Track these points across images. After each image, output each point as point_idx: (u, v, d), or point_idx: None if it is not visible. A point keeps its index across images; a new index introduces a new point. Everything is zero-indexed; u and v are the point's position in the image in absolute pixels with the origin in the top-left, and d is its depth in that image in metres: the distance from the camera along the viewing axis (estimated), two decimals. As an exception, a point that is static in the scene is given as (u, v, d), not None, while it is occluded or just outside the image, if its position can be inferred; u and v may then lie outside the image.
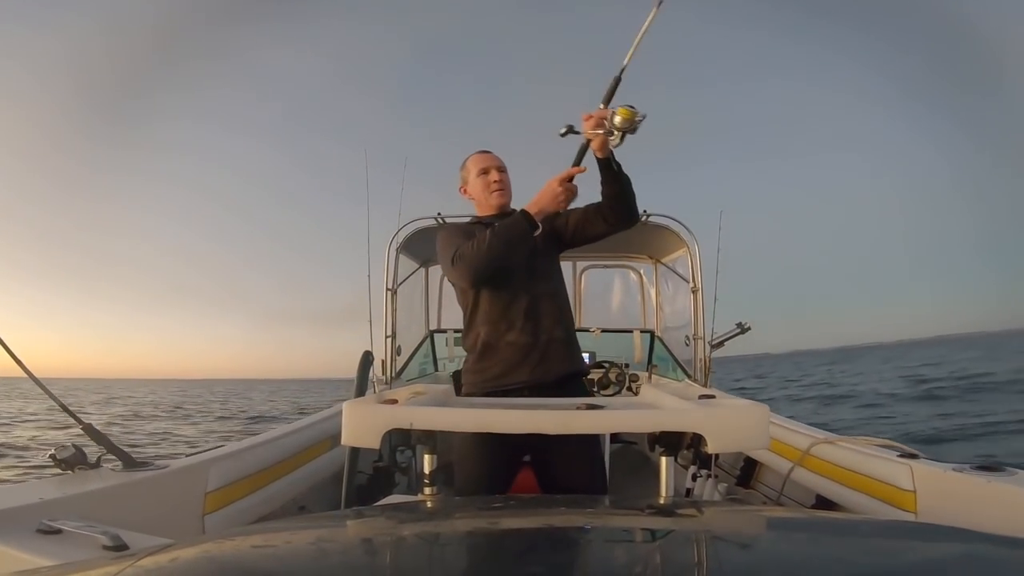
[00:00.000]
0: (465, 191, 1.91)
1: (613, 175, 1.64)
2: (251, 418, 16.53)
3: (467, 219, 2.01)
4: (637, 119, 1.51)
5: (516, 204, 1.90)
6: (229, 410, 20.84)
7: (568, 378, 1.78)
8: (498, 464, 1.66)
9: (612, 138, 1.53)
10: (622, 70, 1.61)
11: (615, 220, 1.76)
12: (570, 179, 1.66)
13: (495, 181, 1.83)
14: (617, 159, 1.62)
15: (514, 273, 1.74)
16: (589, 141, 1.58)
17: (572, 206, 1.75)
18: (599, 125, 1.52)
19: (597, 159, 1.61)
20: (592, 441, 1.75)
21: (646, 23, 1.58)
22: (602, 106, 1.59)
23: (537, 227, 1.64)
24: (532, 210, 1.64)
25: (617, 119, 1.49)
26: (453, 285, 1.85)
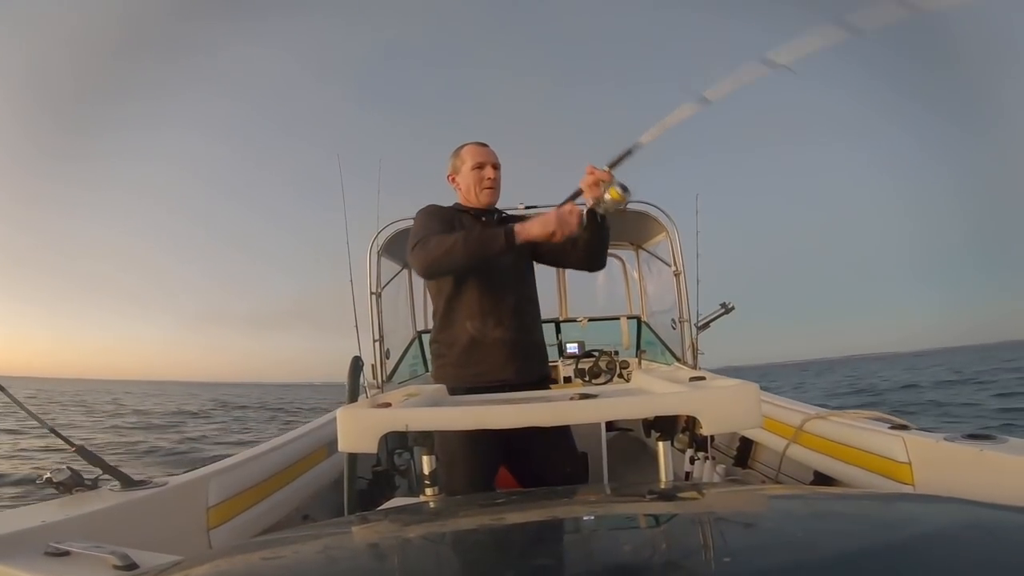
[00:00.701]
0: (453, 179, 1.86)
1: (596, 226, 1.70)
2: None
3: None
4: (621, 206, 1.60)
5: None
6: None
7: (543, 379, 1.84)
8: (482, 465, 1.68)
9: (598, 206, 1.62)
10: (635, 145, 1.59)
11: (585, 263, 1.84)
12: (571, 216, 1.58)
13: (489, 179, 1.80)
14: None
15: (503, 272, 1.75)
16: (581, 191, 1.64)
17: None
18: (596, 185, 1.58)
19: (593, 211, 1.66)
20: (563, 430, 1.78)
21: (677, 117, 1.52)
22: (607, 168, 1.59)
23: (513, 249, 1.60)
24: (521, 234, 1.58)
25: (607, 196, 1.59)
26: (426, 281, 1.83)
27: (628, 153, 1.61)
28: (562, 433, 1.75)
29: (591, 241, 1.74)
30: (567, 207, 1.58)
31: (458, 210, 1.85)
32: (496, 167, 1.82)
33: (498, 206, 1.92)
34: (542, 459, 1.72)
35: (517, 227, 1.59)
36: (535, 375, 1.79)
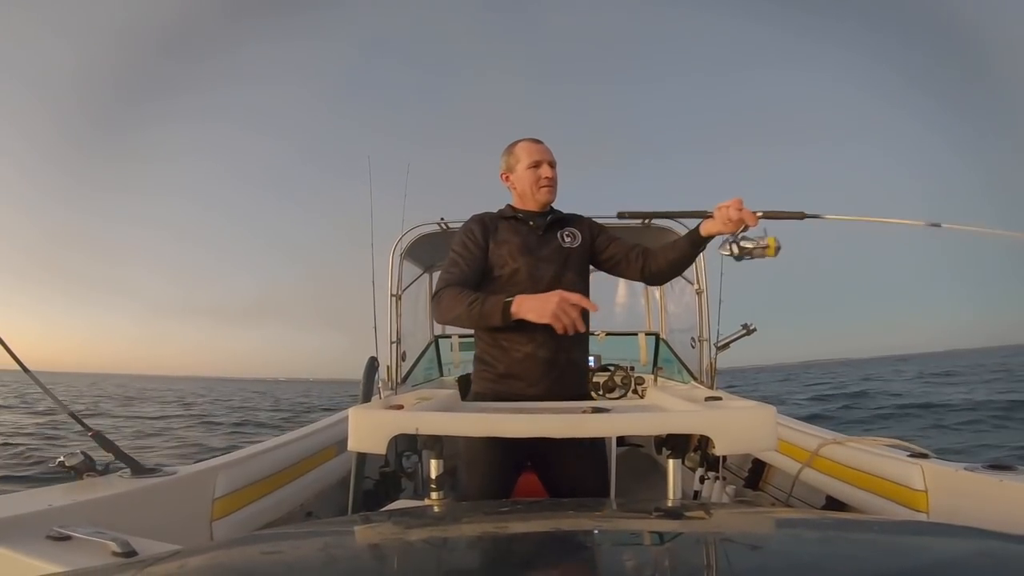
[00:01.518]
0: (508, 178, 1.79)
1: (693, 252, 1.65)
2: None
3: (499, 209, 1.87)
4: (761, 257, 1.48)
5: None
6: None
7: (579, 398, 1.75)
8: (502, 469, 1.66)
9: (732, 246, 1.49)
10: (811, 215, 1.52)
11: (652, 278, 1.79)
12: (575, 307, 1.45)
13: (547, 177, 1.74)
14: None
15: (539, 280, 1.69)
16: (711, 216, 1.52)
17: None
18: (736, 223, 1.47)
19: (698, 234, 1.59)
20: (596, 443, 1.74)
21: (877, 219, 1.57)
22: (759, 214, 1.47)
23: (508, 322, 1.52)
24: (515, 310, 1.49)
25: (758, 244, 1.46)
26: None
27: (799, 216, 1.52)
28: (589, 444, 1.69)
29: (680, 262, 1.70)
30: (566, 296, 1.44)
31: (503, 217, 1.79)
32: (553, 165, 1.76)
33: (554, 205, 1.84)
34: (566, 470, 1.69)
35: (514, 307, 1.49)
36: (569, 394, 1.69)
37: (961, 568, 0.52)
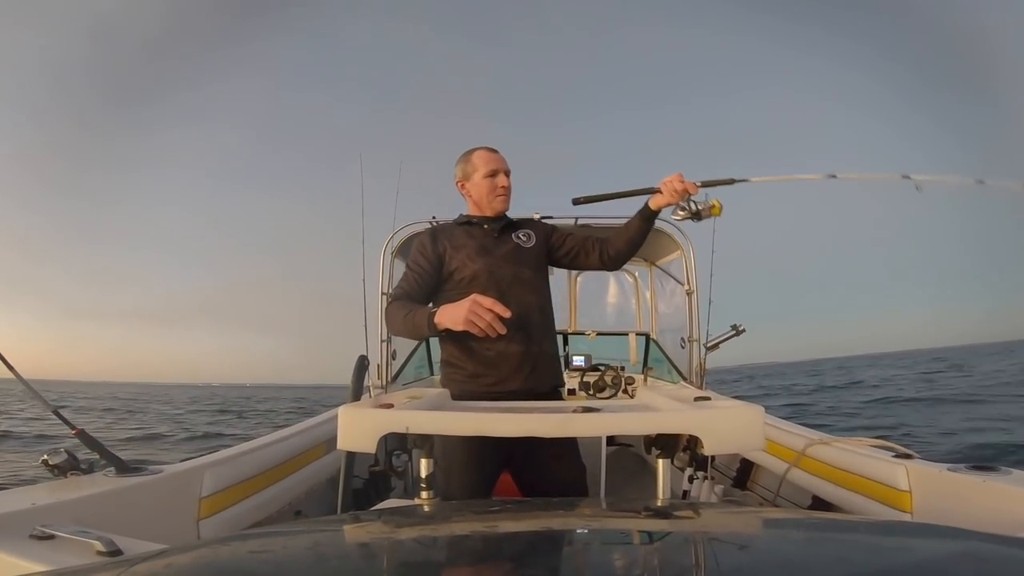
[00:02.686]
0: (463, 186, 1.84)
1: (646, 227, 1.76)
2: None
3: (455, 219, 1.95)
4: (714, 217, 1.67)
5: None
6: None
7: (555, 389, 1.83)
8: (483, 471, 1.67)
9: (682, 212, 1.68)
10: (741, 179, 1.68)
11: (612, 264, 1.86)
12: (488, 310, 1.48)
13: (503, 186, 1.79)
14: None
15: (513, 281, 1.74)
16: (659, 192, 1.69)
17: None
18: (681, 193, 1.64)
19: (648, 209, 1.72)
20: (572, 444, 1.76)
21: (799, 176, 1.75)
22: (698, 183, 1.65)
23: (435, 335, 1.61)
24: (437, 320, 1.53)
25: (702, 206, 1.67)
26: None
27: (729, 182, 1.68)
28: (568, 445, 1.74)
29: (634, 240, 1.79)
30: (478, 299, 1.48)
31: (458, 224, 1.85)
32: (508, 174, 1.81)
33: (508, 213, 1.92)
34: (544, 467, 1.70)
35: (436, 317, 1.53)
36: (546, 386, 1.77)
37: (944, 569, 0.52)
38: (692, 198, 1.67)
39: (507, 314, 1.47)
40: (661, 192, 1.67)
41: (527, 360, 1.72)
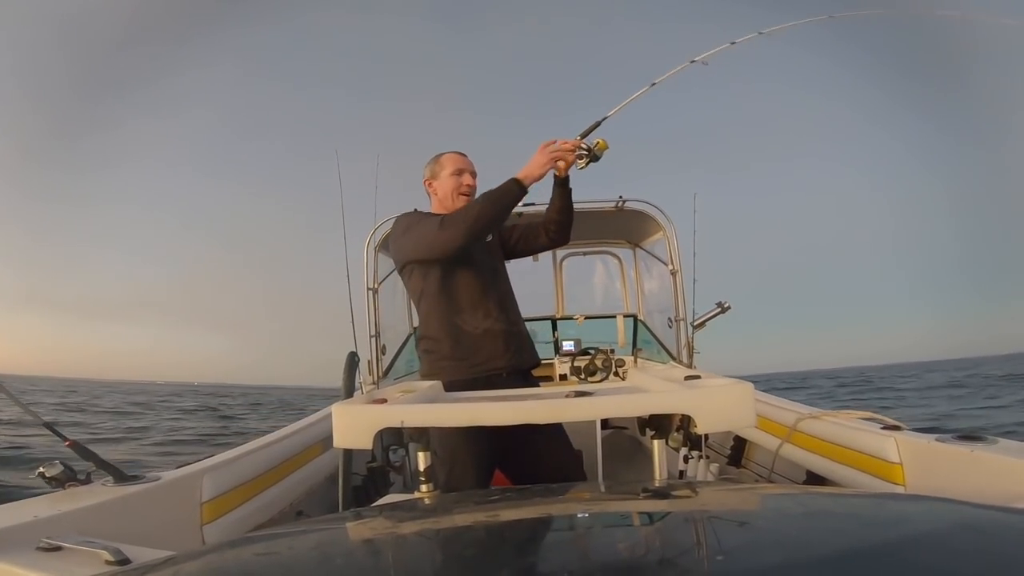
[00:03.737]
0: (431, 184, 1.90)
1: (566, 194, 1.84)
2: None
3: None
4: (603, 150, 1.76)
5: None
6: None
7: (535, 366, 1.90)
8: (483, 460, 1.70)
9: (580, 161, 1.77)
10: (604, 118, 1.78)
11: (557, 236, 1.93)
12: (560, 149, 1.69)
13: (467, 185, 1.85)
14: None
15: (480, 269, 1.81)
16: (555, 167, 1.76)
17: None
18: (572, 151, 1.71)
19: (556, 179, 1.80)
20: (558, 429, 1.81)
21: (637, 94, 1.86)
22: (579, 138, 1.75)
23: (526, 192, 1.68)
24: (527, 179, 1.67)
25: (593, 145, 1.75)
26: (402, 268, 1.84)
27: (595, 125, 1.77)
28: (556, 431, 1.78)
29: (562, 209, 1.87)
30: (547, 144, 1.68)
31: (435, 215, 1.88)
32: (474, 175, 1.88)
33: None
34: (536, 458, 1.73)
35: (520, 174, 1.67)
36: (528, 363, 1.86)
37: (941, 539, 0.54)
38: (581, 148, 1.76)
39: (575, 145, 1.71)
40: (557, 166, 1.76)
41: (512, 338, 1.80)
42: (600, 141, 1.77)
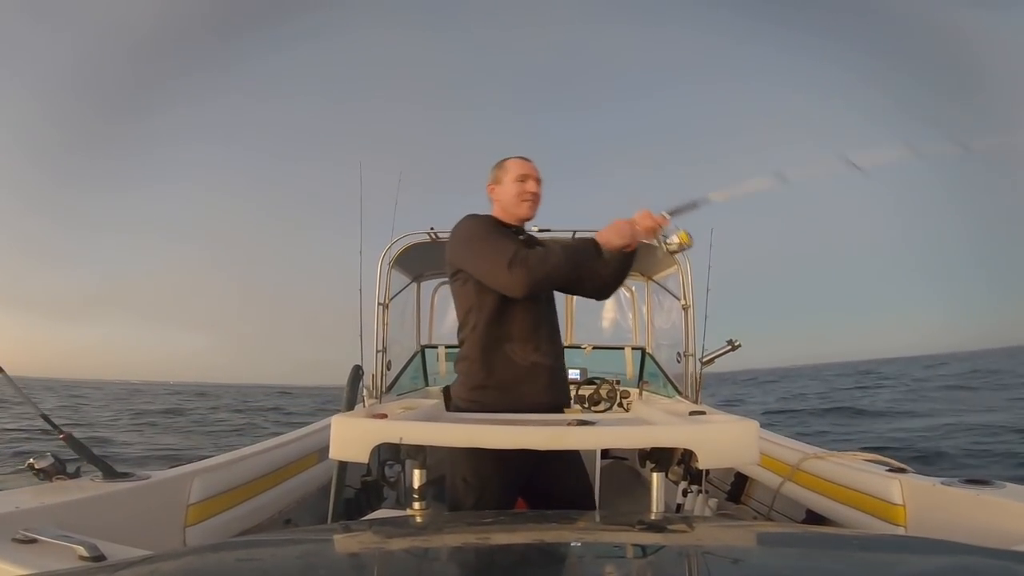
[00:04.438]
0: (493, 190, 1.82)
1: (627, 262, 1.77)
2: None
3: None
4: (687, 248, 1.70)
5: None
6: None
7: (567, 406, 1.85)
8: (511, 491, 1.65)
9: (668, 244, 1.70)
10: (701, 200, 1.68)
11: (601, 293, 1.90)
12: (646, 225, 1.63)
13: (532, 192, 1.78)
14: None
15: (541, 298, 1.76)
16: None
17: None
18: (653, 231, 1.66)
19: (624, 252, 1.71)
20: (578, 460, 1.75)
21: (752, 187, 1.67)
22: (665, 214, 1.66)
23: (603, 258, 1.64)
24: (606, 245, 1.62)
25: (675, 238, 1.68)
26: (455, 273, 1.74)
27: (692, 206, 1.68)
28: (575, 461, 1.74)
29: (617, 273, 1.80)
30: (637, 216, 1.63)
31: (499, 223, 1.81)
32: (539, 181, 1.80)
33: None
34: (551, 485, 1.69)
35: (598, 237, 1.63)
36: (565, 402, 1.83)
37: None
38: (663, 233, 1.68)
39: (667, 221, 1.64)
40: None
41: (555, 376, 1.75)
42: (684, 236, 1.69)
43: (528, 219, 1.84)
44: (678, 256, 3.28)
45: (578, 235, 2.98)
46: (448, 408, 1.73)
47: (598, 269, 1.77)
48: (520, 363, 1.68)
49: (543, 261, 1.56)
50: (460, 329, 1.76)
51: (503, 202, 1.80)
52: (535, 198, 1.79)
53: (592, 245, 1.61)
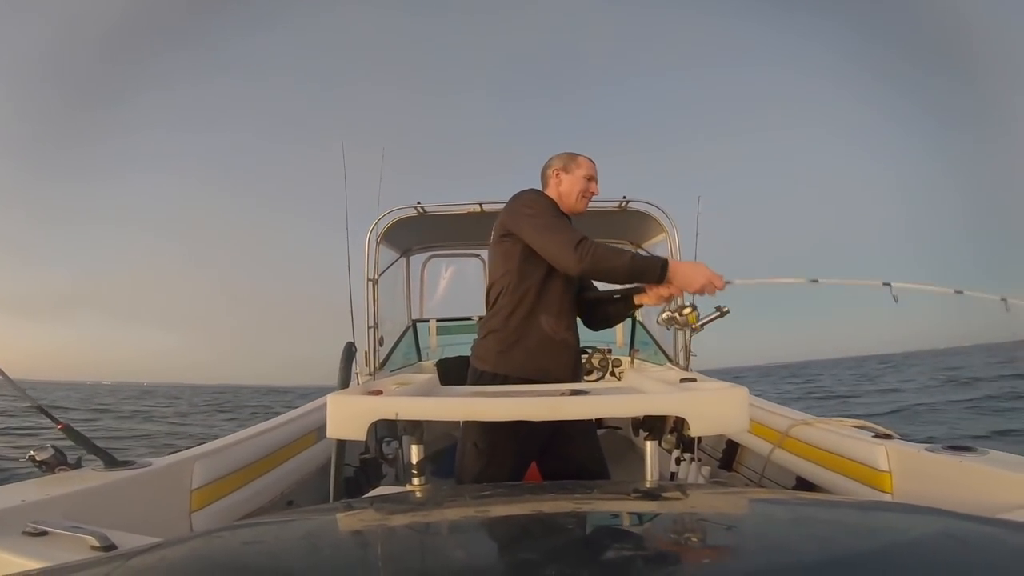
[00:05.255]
0: (558, 175, 1.88)
1: (626, 312, 1.93)
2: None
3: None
4: (692, 328, 1.78)
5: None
6: None
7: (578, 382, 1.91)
8: (524, 455, 1.71)
9: (662, 315, 1.80)
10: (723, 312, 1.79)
11: (592, 322, 2.00)
12: (713, 284, 1.66)
13: (593, 192, 1.89)
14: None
15: (577, 281, 1.85)
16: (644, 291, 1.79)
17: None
18: (666, 299, 1.76)
19: (632, 302, 1.84)
20: (590, 427, 1.84)
21: (779, 281, 1.80)
22: (725, 281, 1.71)
23: (661, 283, 1.69)
24: (672, 275, 1.66)
25: (680, 315, 1.78)
26: (499, 250, 1.79)
27: (721, 314, 1.78)
28: (589, 433, 1.84)
29: (618, 317, 1.98)
30: (709, 270, 1.66)
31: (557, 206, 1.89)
32: (596, 183, 1.91)
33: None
34: (567, 456, 1.75)
35: (672, 266, 1.66)
36: (580, 379, 1.91)
37: (924, 548, 0.54)
38: (694, 311, 1.77)
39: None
40: (646, 292, 1.79)
41: (577, 355, 1.86)
42: (692, 315, 1.78)
43: (580, 214, 1.92)
44: (665, 223, 3.29)
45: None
46: (443, 382, 1.75)
47: (605, 301, 1.93)
48: (552, 336, 1.76)
49: (609, 256, 1.63)
50: (491, 288, 1.82)
51: (565, 192, 1.88)
52: (591, 198, 1.92)
53: (659, 268, 1.66)
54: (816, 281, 1.78)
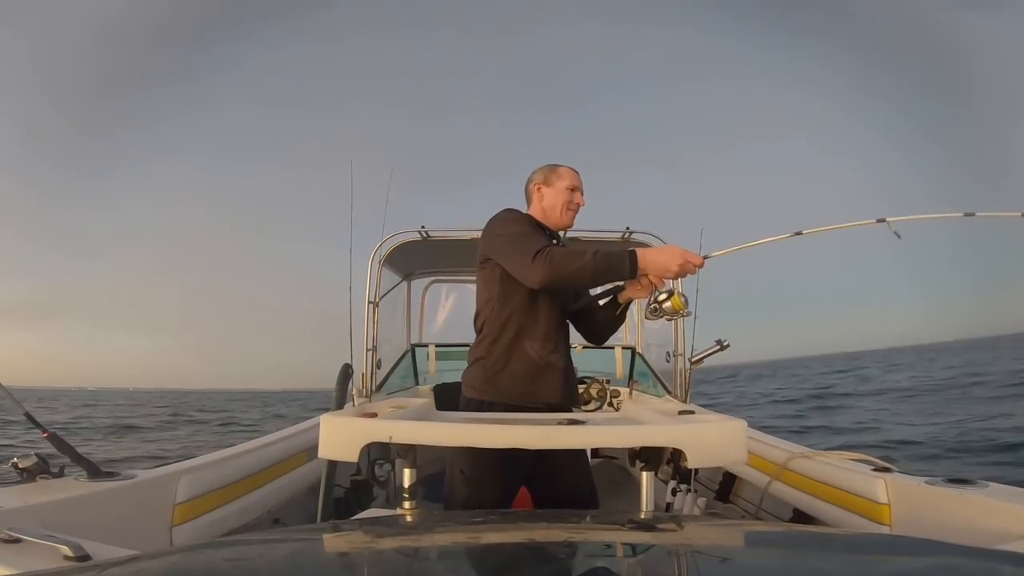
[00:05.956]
0: (540, 189, 1.83)
1: (616, 315, 1.81)
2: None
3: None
4: (679, 315, 1.68)
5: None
6: None
7: (575, 406, 1.88)
8: (513, 483, 1.68)
9: (646, 310, 1.70)
10: (707, 256, 1.65)
11: (592, 336, 1.94)
12: (692, 263, 1.56)
13: (577, 203, 1.83)
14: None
15: (563, 298, 1.79)
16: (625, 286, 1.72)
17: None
18: (648, 288, 1.65)
19: (618, 298, 1.77)
20: (581, 455, 1.80)
21: (779, 237, 1.70)
22: (703, 256, 1.62)
23: (634, 278, 1.58)
24: (643, 264, 1.55)
25: (668, 303, 1.64)
26: (481, 277, 1.76)
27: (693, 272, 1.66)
28: (581, 460, 1.80)
29: (613, 322, 1.85)
30: (681, 250, 1.56)
31: (536, 223, 1.83)
32: (582, 195, 1.85)
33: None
34: (556, 483, 1.72)
35: (640, 255, 1.55)
36: (574, 403, 1.86)
37: None
38: (675, 294, 1.65)
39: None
40: (627, 288, 1.73)
41: (568, 377, 1.78)
42: (676, 299, 1.64)
43: (567, 228, 1.88)
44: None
45: (569, 235, 3.01)
46: (439, 407, 1.73)
47: (594, 310, 1.83)
48: (538, 360, 1.71)
49: (568, 260, 1.54)
50: (477, 316, 1.78)
51: (548, 205, 1.82)
52: (577, 210, 1.85)
53: (627, 260, 1.54)
54: (800, 233, 1.68)
